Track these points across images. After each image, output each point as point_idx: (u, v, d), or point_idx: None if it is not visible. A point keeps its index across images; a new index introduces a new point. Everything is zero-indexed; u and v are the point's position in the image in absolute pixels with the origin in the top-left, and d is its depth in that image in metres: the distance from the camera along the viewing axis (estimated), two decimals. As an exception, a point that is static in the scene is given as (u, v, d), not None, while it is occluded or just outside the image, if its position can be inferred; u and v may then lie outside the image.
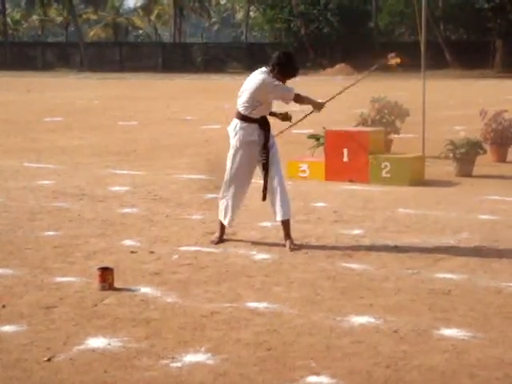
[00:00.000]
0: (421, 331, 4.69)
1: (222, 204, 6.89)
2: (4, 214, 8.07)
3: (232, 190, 6.82)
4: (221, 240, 6.87)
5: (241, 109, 6.71)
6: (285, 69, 6.65)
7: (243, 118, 6.72)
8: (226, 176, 6.83)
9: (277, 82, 6.62)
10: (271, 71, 6.66)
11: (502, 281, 5.69)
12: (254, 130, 6.70)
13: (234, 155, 6.77)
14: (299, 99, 6.75)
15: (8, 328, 4.80)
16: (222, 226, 6.92)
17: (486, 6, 53.46)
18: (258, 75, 6.67)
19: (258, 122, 6.70)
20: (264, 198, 6.80)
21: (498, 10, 51.65)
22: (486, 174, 10.41)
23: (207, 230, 7.27)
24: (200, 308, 5.13)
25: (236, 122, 6.77)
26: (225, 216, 6.86)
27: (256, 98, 6.62)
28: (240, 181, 6.80)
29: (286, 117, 7.02)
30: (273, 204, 6.78)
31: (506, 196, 8.95)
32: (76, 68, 56.49)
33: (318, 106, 6.99)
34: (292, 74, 6.74)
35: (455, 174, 10.34)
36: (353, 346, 4.48)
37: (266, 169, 6.72)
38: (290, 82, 6.77)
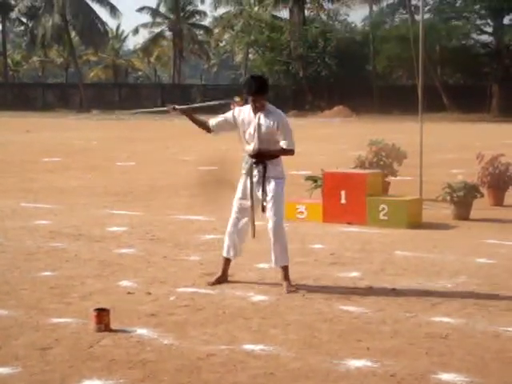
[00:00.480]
0: (418, 375, 4.66)
1: (225, 237, 6.96)
2: (1, 254, 8.06)
3: (232, 221, 6.86)
4: (220, 280, 6.84)
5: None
6: (245, 87, 6.71)
7: (245, 151, 6.85)
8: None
9: (229, 115, 6.82)
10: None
11: (499, 325, 5.67)
12: (248, 163, 6.77)
13: (237, 187, 6.89)
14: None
15: (2, 370, 4.75)
16: (224, 264, 6.90)
17: (483, 51, 54.03)
18: None
19: (252, 157, 6.75)
20: (253, 235, 6.81)
21: (494, 56, 52.20)
22: (483, 218, 10.42)
23: (205, 271, 7.25)
24: (196, 350, 5.09)
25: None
26: (224, 246, 6.92)
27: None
28: (236, 211, 6.82)
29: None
30: (271, 250, 6.78)
31: (503, 240, 8.95)
32: (76, 109, 56.79)
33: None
34: (248, 88, 6.67)
35: (452, 217, 10.35)
36: (350, 389, 4.45)
37: (252, 209, 6.72)
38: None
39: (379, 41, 53.67)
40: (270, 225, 6.70)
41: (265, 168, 6.71)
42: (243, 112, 6.76)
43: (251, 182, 6.72)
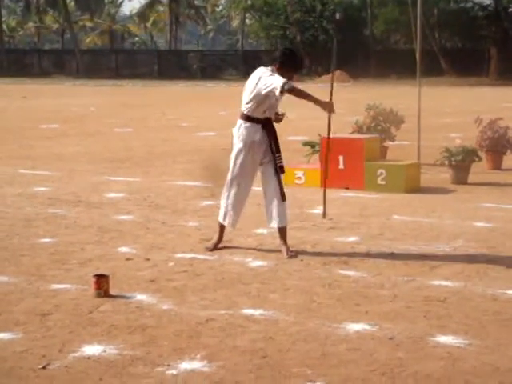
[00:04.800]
0: (416, 338, 4.70)
1: (222, 205, 6.88)
2: (0, 220, 8.06)
3: (234, 190, 6.78)
4: (216, 247, 6.85)
5: (244, 109, 6.67)
6: (289, 61, 6.54)
7: (246, 118, 6.67)
8: (228, 176, 6.81)
9: (271, 73, 6.50)
10: (275, 67, 6.57)
11: (497, 288, 5.70)
12: (258, 130, 6.65)
13: (237, 156, 6.73)
14: (297, 93, 6.42)
15: (3, 335, 4.78)
16: (221, 230, 6.89)
17: (481, 13, 53.66)
18: (261, 70, 6.62)
19: (261, 123, 6.66)
20: (283, 198, 6.75)
21: (493, 18, 51.84)
22: (481, 182, 10.42)
23: (203, 236, 7.27)
24: (196, 315, 5.12)
25: (240, 123, 6.73)
26: (224, 217, 6.85)
27: (253, 94, 6.54)
28: (242, 181, 6.75)
29: (277, 118, 6.82)
30: (268, 210, 6.77)
31: (501, 203, 8.97)
32: (72, 75, 56.49)
33: (325, 106, 6.56)
34: (297, 66, 6.61)
35: (451, 181, 10.36)
36: (348, 353, 4.48)
37: (277, 171, 6.67)
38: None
39: (377, 4, 53.31)
40: (274, 187, 6.68)
41: (274, 133, 6.71)
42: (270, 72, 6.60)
43: (271, 146, 6.65)
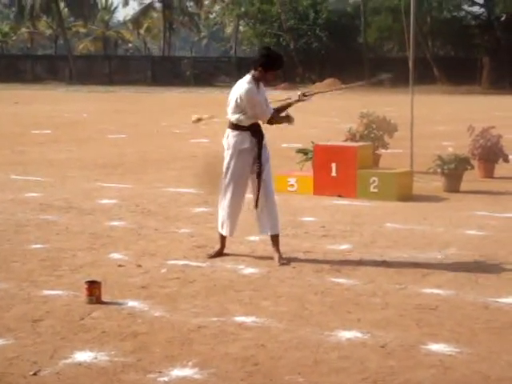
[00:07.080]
0: (408, 346, 4.70)
1: (219, 214, 6.89)
2: (-9, 226, 8.04)
3: (228, 199, 6.80)
4: (219, 254, 6.83)
5: (231, 118, 6.71)
6: (270, 62, 6.56)
7: (234, 126, 6.70)
8: (222, 186, 6.83)
9: (258, 98, 6.59)
10: (256, 71, 6.60)
11: (488, 296, 5.71)
12: (246, 137, 6.68)
13: (228, 164, 6.76)
14: (272, 121, 6.76)
15: (-6, 341, 4.77)
16: (222, 239, 6.89)
17: (473, 22, 53.87)
18: (243, 84, 6.63)
19: (249, 130, 6.68)
20: (256, 205, 6.81)
21: (485, 28, 52.05)
22: (473, 190, 10.45)
23: (195, 243, 7.27)
24: (188, 322, 5.11)
25: (228, 132, 6.77)
26: (222, 226, 6.87)
27: (240, 107, 6.61)
28: (235, 190, 6.76)
29: (288, 119, 6.97)
30: (260, 218, 6.78)
31: (493, 212, 8.99)
32: (65, 81, 56.41)
33: (290, 120, 6.94)
34: (278, 64, 6.62)
35: (443, 189, 10.38)
36: (340, 361, 4.48)
37: (259, 178, 6.71)
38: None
39: (370, 12, 53.46)
40: (266, 195, 6.70)
41: (262, 139, 6.74)
42: (254, 89, 6.61)
43: (260, 154, 6.68)
